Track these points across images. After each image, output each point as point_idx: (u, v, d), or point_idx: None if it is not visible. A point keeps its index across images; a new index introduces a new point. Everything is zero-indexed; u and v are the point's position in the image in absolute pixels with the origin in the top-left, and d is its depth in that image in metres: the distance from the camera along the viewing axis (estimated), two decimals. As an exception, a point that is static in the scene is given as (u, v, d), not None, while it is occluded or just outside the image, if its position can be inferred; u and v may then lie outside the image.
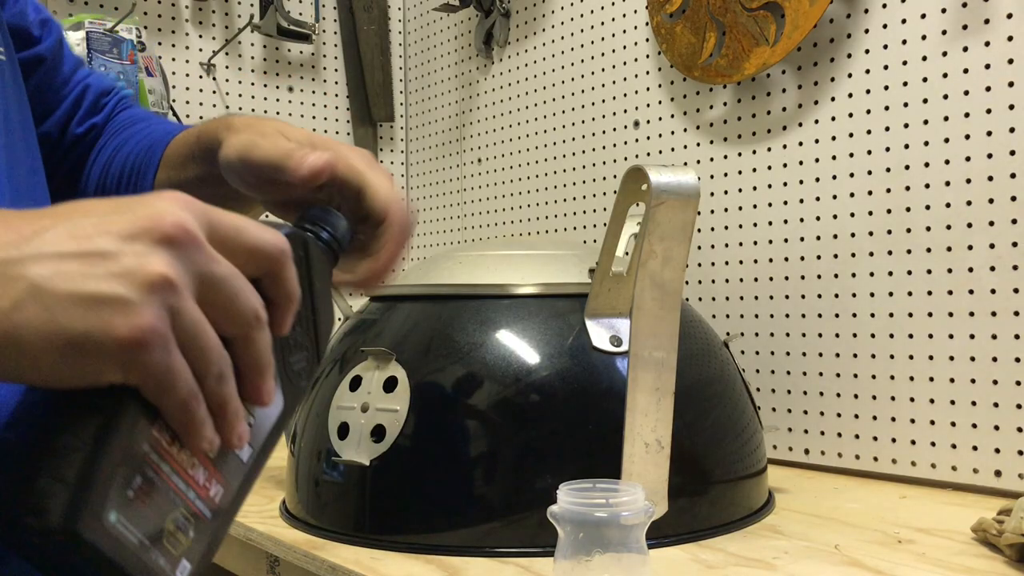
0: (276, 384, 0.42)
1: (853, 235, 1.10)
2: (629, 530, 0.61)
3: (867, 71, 1.09)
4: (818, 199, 1.14)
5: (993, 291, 0.98)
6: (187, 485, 0.40)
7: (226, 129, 0.63)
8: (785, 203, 1.17)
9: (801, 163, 1.15)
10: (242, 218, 0.39)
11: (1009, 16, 0.96)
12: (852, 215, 1.10)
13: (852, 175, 1.10)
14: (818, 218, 1.13)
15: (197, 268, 0.36)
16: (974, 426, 1.00)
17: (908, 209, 1.05)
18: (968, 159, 1.00)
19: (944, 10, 1.02)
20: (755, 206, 1.21)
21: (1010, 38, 0.96)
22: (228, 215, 0.39)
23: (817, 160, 1.14)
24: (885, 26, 1.07)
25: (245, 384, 0.40)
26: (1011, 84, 0.96)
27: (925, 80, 1.03)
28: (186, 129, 0.71)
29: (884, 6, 1.07)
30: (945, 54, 1.02)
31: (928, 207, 1.03)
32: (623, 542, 0.61)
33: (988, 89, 0.98)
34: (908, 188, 1.05)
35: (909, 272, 1.05)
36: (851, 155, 1.10)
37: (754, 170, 1.21)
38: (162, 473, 0.38)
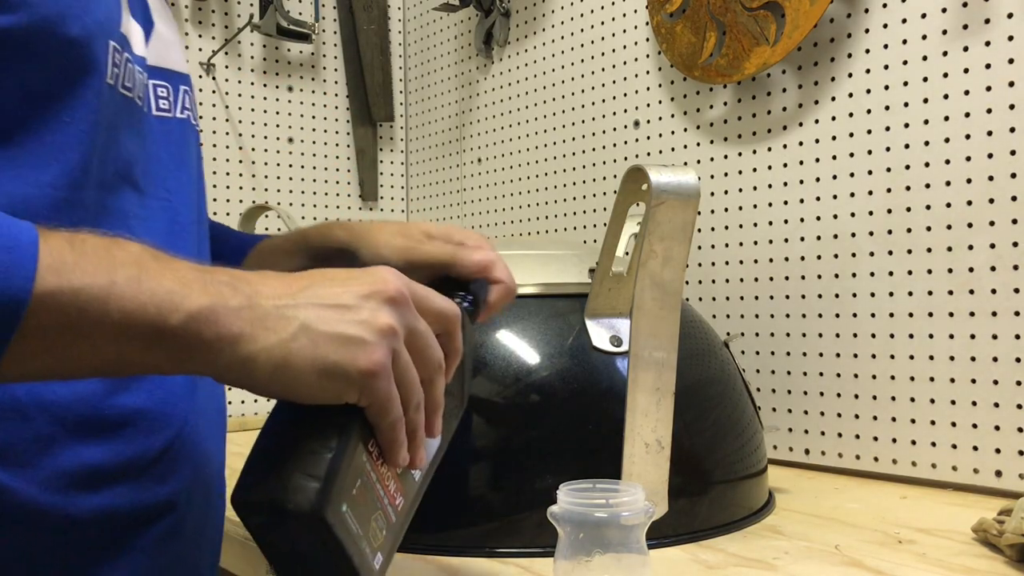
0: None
1: (853, 235, 1.10)
2: (629, 530, 0.61)
3: (867, 71, 1.09)
4: (818, 199, 1.13)
5: (994, 291, 0.98)
6: (384, 492, 0.50)
7: (342, 229, 0.74)
8: (785, 203, 1.17)
9: (801, 163, 1.15)
10: (430, 291, 0.52)
11: (1009, 16, 0.96)
12: (852, 215, 1.10)
13: (852, 175, 1.10)
14: (818, 218, 1.13)
15: (408, 323, 0.49)
16: (975, 426, 1.00)
17: (908, 209, 1.05)
18: (969, 159, 1.00)
19: (944, 10, 1.01)
20: (755, 206, 1.21)
21: (1010, 38, 0.96)
22: (420, 286, 0.51)
23: (817, 160, 1.14)
24: (885, 26, 1.07)
25: (429, 394, 0.51)
26: (1011, 84, 0.96)
27: (925, 80, 1.03)
28: (267, 238, 0.79)
29: (884, 6, 1.07)
30: (945, 54, 1.01)
31: (928, 207, 1.03)
32: (623, 542, 0.60)
33: (989, 89, 0.98)
34: (908, 188, 1.05)
35: (909, 272, 1.05)
36: (851, 155, 1.10)
37: (754, 170, 1.21)
38: (371, 480, 0.49)
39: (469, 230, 0.72)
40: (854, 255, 1.10)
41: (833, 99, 1.12)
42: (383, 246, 0.70)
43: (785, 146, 1.17)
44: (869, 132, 1.08)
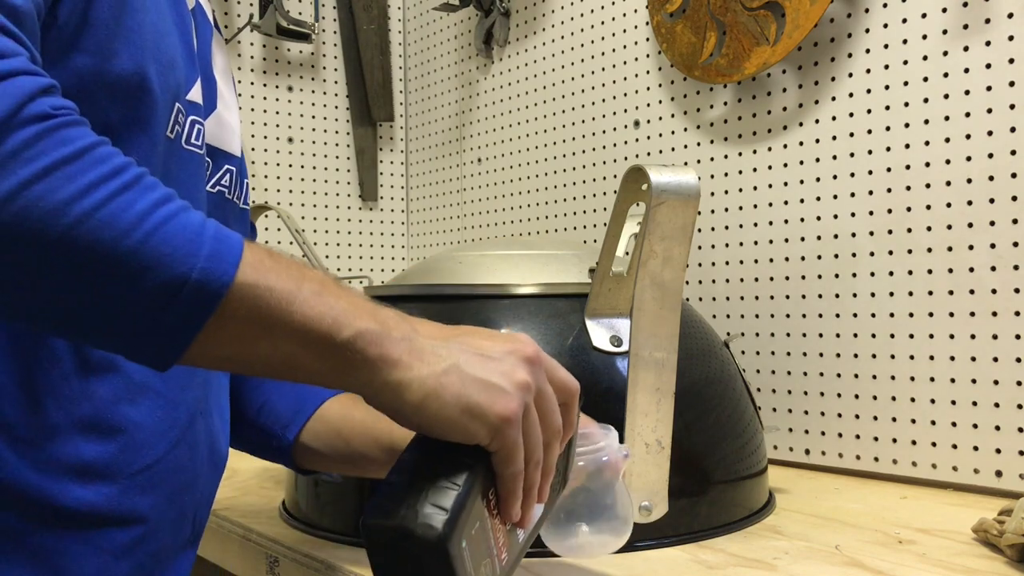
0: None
1: (854, 235, 1.10)
2: (607, 477, 0.63)
3: (868, 70, 1.09)
4: (818, 199, 1.13)
5: (994, 291, 0.98)
6: (494, 543, 0.53)
7: None
8: (785, 203, 1.17)
9: (801, 163, 1.15)
10: (554, 361, 0.57)
11: (1010, 16, 0.96)
12: (853, 215, 1.10)
13: (853, 175, 1.10)
14: (818, 218, 1.13)
15: (539, 383, 0.54)
16: (975, 426, 0.99)
17: (909, 209, 1.05)
18: (969, 159, 1.00)
19: (945, 9, 1.01)
20: (755, 206, 1.21)
21: (1011, 37, 0.96)
22: (549, 358, 0.56)
23: (817, 160, 1.14)
24: (886, 25, 1.07)
25: (547, 457, 0.55)
26: (1012, 84, 0.96)
27: (926, 79, 1.03)
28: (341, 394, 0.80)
29: (885, 5, 1.07)
30: (946, 53, 1.01)
31: (929, 207, 1.03)
32: (604, 488, 0.63)
33: (989, 88, 0.98)
34: (909, 188, 1.05)
35: (910, 272, 1.05)
36: (852, 155, 1.10)
37: (754, 170, 1.21)
38: (487, 527, 0.52)
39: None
40: (854, 255, 1.10)
41: (833, 99, 1.12)
42: None
43: (785, 146, 1.17)
44: (869, 132, 1.08)
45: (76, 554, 0.58)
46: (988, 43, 0.98)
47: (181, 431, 0.64)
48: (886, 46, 1.07)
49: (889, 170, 1.06)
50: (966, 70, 1.00)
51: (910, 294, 1.05)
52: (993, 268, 0.98)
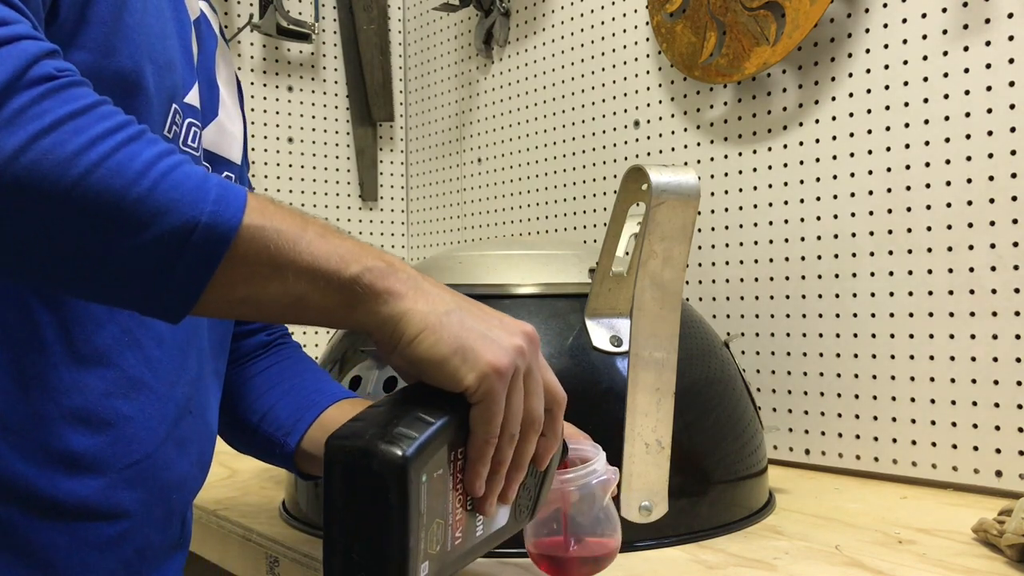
0: (508, 506, 0.57)
1: (854, 235, 1.10)
2: (593, 502, 0.63)
3: (868, 70, 1.09)
4: (818, 199, 1.13)
5: (994, 291, 0.98)
6: (451, 508, 0.52)
7: None
8: (785, 203, 1.17)
9: (801, 163, 1.15)
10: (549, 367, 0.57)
11: (1010, 16, 0.96)
12: (852, 215, 1.10)
13: (853, 175, 1.10)
14: (818, 218, 1.13)
15: (531, 362, 0.54)
16: (975, 426, 0.99)
17: (909, 209, 1.05)
18: (969, 159, 1.00)
19: (945, 9, 1.01)
20: (755, 206, 1.21)
21: (1011, 38, 0.96)
22: (545, 363, 0.56)
23: (817, 160, 1.14)
24: (886, 25, 1.07)
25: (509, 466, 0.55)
26: (1012, 84, 0.96)
27: (926, 80, 1.03)
28: (352, 398, 0.80)
29: (885, 5, 1.07)
30: (946, 54, 1.01)
31: (929, 207, 1.03)
32: (588, 510, 0.63)
33: (989, 89, 0.98)
34: (909, 188, 1.05)
35: (910, 272, 1.05)
36: (852, 155, 1.10)
37: (754, 170, 1.21)
38: (447, 484, 0.51)
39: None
40: (854, 255, 1.10)
41: (833, 99, 1.12)
42: None
43: (785, 146, 1.17)
44: (869, 132, 1.08)
45: (61, 546, 0.58)
46: (988, 43, 0.98)
47: (170, 427, 0.64)
48: (886, 46, 1.07)
49: (889, 170, 1.06)
50: (966, 70, 1.00)
51: (910, 294, 1.05)
52: (993, 268, 0.98)
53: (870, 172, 1.08)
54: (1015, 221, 0.96)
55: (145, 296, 0.47)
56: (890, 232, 1.06)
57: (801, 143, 1.16)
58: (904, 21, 1.05)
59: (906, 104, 1.05)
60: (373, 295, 0.50)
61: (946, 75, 1.01)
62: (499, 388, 0.51)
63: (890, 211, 1.06)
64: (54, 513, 0.58)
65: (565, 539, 0.65)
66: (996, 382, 0.98)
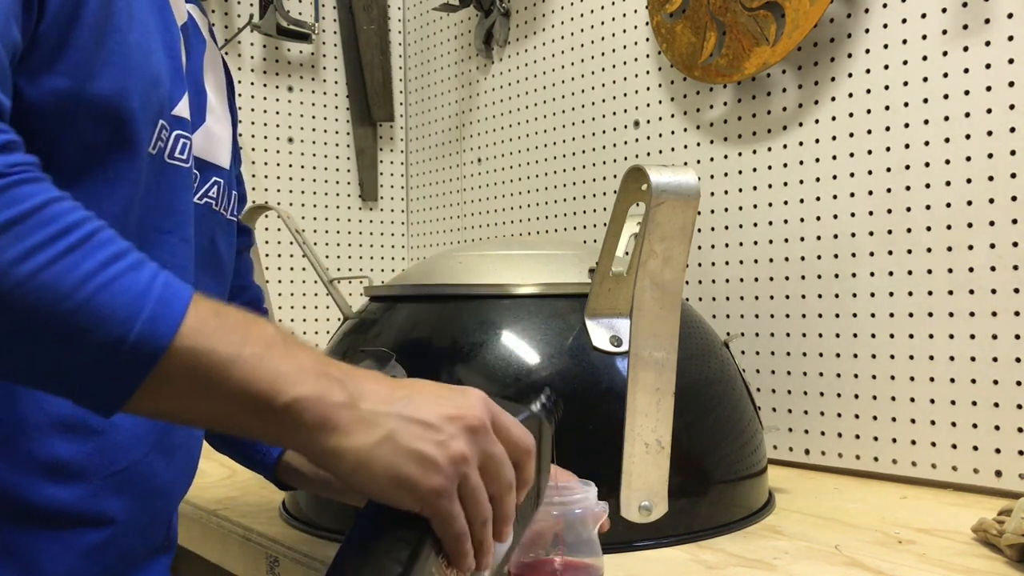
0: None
1: (853, 235, 1.10)
2: (580, 529, 0.62)
3: (867, 71, 1.09)
4: (818, 199, 1.13)
5: (994, 291, 0.98)
6: None
7: None
8: (785, 203, 1.17)
9: (801, 163, 1.15)
10: (511, 419, 0.56)
11: (1009, 16, 0.96)
12: (852, 215, 1.10)
13: (852, 175, 1.10)
14: (818, 218, 1.13)
15: (483, 449, 0.53)
16: (975, 426, 1.00)
17: (908, 209, 1.05)
18: (969, 159, 1.00)
19: (944, 10, 1.01)
20: (755, 206, 1.21)
21: (1010, 38, 0.96)
22: (505, 415, 0.56)
23: (817, 160, 1.14)
24: (885, 26, 1.07)
25: (494, 528, 0.55)
26: (1011, 84, 0.96)
27: (925, 80, 1.03)
28: None
29: (884, 6, 1.07)
30: (945, 54, 1.01)
31: (928, 207, 1.03)
32: (575, 541, 0.62)
33: (989, 89, 0.98)
34: (908, 188, 1.05)
35: (909, 272, 1.05)
36: (851, 155, 1.10)
37: (754, 170, 1.21)
38: (442, 570, 0.53)
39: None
40: (854, 255, 1.10)
41: (833, 99, 1.12)
42: None
43: (785, 146, 1.17)
44: (869, 132, 1.08)
45: (46, 552, 0.58)
46: (988, 43, 0.98)
47: (159, 436, 0.65)
48: (886, 46, 1.07)
49: (889, 170, 1.07)
50: (966, 70, 1.00)
51: (910, 294, 1.05)
52: (993, 268, 0.98)
53: (870, 172, 1.08)
54: (1015, 221, 0.96)
55: (76, 397, 0.48)
56: (890, 232, 1.06)
57: (801, 143, 1.16)
58: (904, 21, 1.05)
59: (906, 104, 1.05)
60: (305, 427, 0.50)
61: (946, 75, 1.01)
62: (446, 505, 0.52)
63: (890, 211, 1.06)
64: (39, 520, 0.58)
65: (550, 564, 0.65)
66: (996, 382, 0.98)
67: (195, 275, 0.71)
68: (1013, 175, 0.96)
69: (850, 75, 1.10)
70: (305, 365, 0.51)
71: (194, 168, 0.69)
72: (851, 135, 1.10)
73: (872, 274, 1.08)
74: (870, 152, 1.08)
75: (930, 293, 1.03)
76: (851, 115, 1.10)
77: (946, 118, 1.01)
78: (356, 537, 0.53)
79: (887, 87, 1.07)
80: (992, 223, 0.98)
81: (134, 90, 0.58)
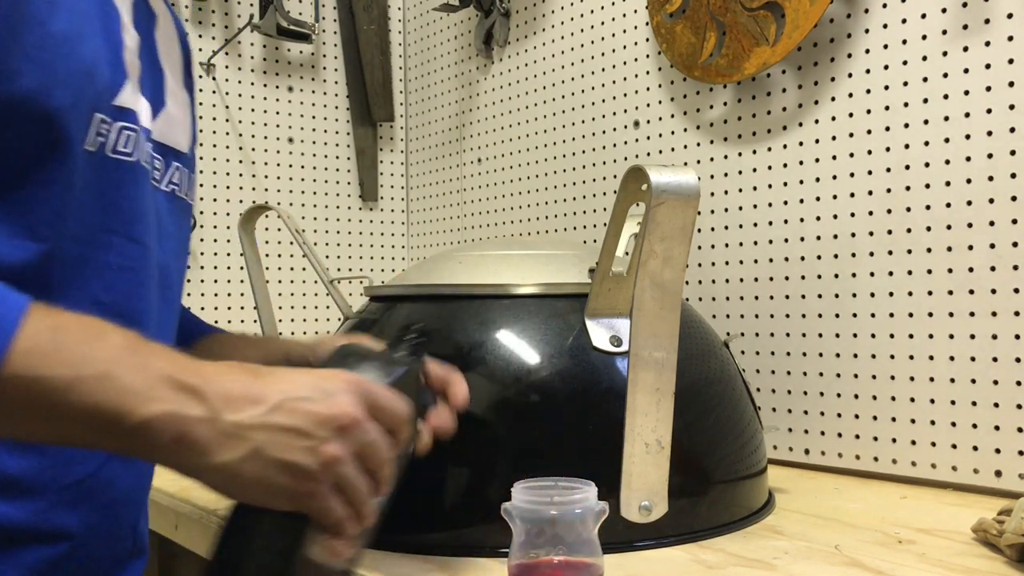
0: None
1: (853, 235, 1.10)
2: (581, 529, 0.61)
3: (867, 71, 1.09)
4: (818, 199, 1.13)
5: (994, 291, 0.98)
6: (335, 557, 0.54)
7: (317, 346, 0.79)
8: (785, 203, 1.17)
9: (801, 163, 1.15)
10: (387, 394, 0.56)
11: (1009, 16, 0.96)
12: (852, 215, 1.10)
13: (852, 175, 1.10)
14: (818, 218, 1.13)
15: (358, 441, 0.53)
16: (974, 426, 1.00)
17: (908, 209, 1.05)
18: (968, 159, 1.00)
19: (944, 10, 1.01)
20: (755, 206, 1.21)
21: (1010, 38, 0.96)
22: (381, 394, 0.55)
23: (817, 160, 1.14)
24: (885, 26, 1.07)
25: (377, 485, 0.55)
26: (1011, 84, 0.96)
27: (925, 80, 1.03)
28: (223, 334, 0.84)
29: (884, 6, 1.07)
30: (945, 54, 1.01)
31: (928, 207, 1.03)
32: (575, 542, 0.61)
33: (988, 89, 0.98)
34: (908, 188, 1.05)
35: (909, 272, 1.05)
36: (851, 155, 1.10)
37: (754, 170, 1.21)
38: (324, 555, 0.54)
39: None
40: (854, 255, 1.10)
41: (833, 99, 1.12)
42: None
43: (785, 146, 1.17)
44: (869, 132, 1.08)
45: None
46: (988, 43, 0.98)
47: None
48: (886, 46, 1.07)
49: (889, 170, 1.07)
50: (966, 70, 1.00)
51: (910, 294, 1.05)
52: (993, 268, 0.98)
53: (870, 172, 1.08)
54: (1015, 221, 0.96)
55: None
56: (890, 232, 1.06)
57: (801, 143, 1.16)
58: (904, 21, 1.05)
59: (905, 104, 1.05)
60: (162, 447, 0.48)
61: (945, 75, 1.01)
62: (322, 504, 0.51)
63: (889, 211, 1.06)
64: None
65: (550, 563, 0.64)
66: (995, 382, 0.98)
67: (170, 268, 0.68)
68: (1013, 175, 0.96)
69: (850, 75, 1.10)
70: (157, 377, 0.48)
71: (156, 153, 0.66)
72: (851, 135, 1.10)
73: (872, 274, 1.08)
74: (870, 152, 1.08)
75: (930, 293, 1.03)
76: (851, 115, 1.10)
77: (946, 118, 1.01)
78: (236, 524, 0.53)
79: (887, 87, 1.07)
80: (992, 223, 0.98)
81: (61, 85, 0.55)
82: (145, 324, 0.65)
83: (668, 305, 0.74)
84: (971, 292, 0.99)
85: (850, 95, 1.10)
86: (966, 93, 1.00)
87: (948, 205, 1.01)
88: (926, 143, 1.03)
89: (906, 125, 1.05)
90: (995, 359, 0.98)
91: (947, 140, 1.01)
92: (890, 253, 1.06)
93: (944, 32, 1.01)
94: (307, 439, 0.51)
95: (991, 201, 0.98)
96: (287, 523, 0.52)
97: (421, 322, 0.67)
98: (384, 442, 0.55)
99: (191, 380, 0.49)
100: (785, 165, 1.17)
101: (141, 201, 0.64)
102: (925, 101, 1.03)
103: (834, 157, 1.12)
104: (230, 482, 0.50)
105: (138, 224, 0.64)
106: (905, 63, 1.05)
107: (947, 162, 1.01)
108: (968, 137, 1.00)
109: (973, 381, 0.99)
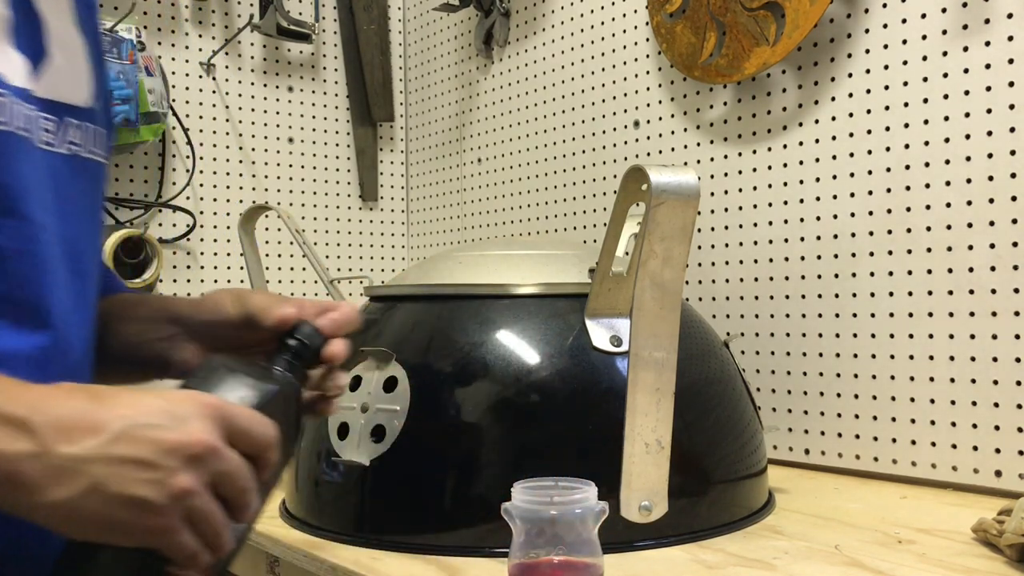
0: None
1: (853, 235, 1.10)
2: (581, 529, 0.61)
3: (867, 71, 1.09)
4: (818, 199, 1.13)
5: (993, 291, 0.98)
6: None
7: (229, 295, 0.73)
8: (785, 203, 1.17)
9: (801, 163, 1.15)
10: (248, 416, 0.51)
11: (1009, 16, 0.96)
12: (852, 215, 1.10)
13: (852, 175, 1.10)
14: (818, 218, 1.13)
15: (213, 469, 0.48)
16: (974, 426, 1.00)
17: (908, 209, 1.05)
18: (968, 159, 1.00)
19: (944, 10, 1.01)
20: (755, 206, 1.21)
21: (1010, 38, 0.96)
22: (241, 416, 0.51)
23: (817, 160, 1.14)
24: (885, 26, 1.07)
25: (232, 514, 0.51)
26: (1011, 84, 0.96)
27: (925, 80, 1.03)
28: (130, 293, 0.78)
29: (884, 6, 1.07)
30: (945, 54, 1.01)
31: (928, 207, 1.03)
32: (575, 541, 0.61)
33: (988, 89, 0.98)
34: (908, 188, 1.05)
35: (909, 272, 1.05)
36: (851, 155, 1.10)
37: (754, 170, 1.21)
38: None
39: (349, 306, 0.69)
40: (854, 255, 1.10)
41: (833, 99, 1.12)
42: (224, 302, 0.69)
43: (785, 146, 1.17)
44: (869, 132, 1.08)
45: None
46: (988, 43, 0.98)
47: None
48: (886, 46, 1.07)
49: (889, 170, 1.07)
50: (966, 70, 1.00)
51: (910, 294, 1.05)
52: (993, 268, 0.98)
53: (870, 172, 1.08)
54: (1015, 221, 0.96)
55: None
56: (890, 232, 1.06)
57: (801, 143, 1.16)
58: (904, 21, 1.05)
59: (906, 104, 1.05)
60: None
61: (946, 75, 1.01)
62: (172, 539, 0.47)
63: (890, 211, 1.06)
64: None
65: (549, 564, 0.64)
66: (996, 382, 0.98)
67: (80, 240, 0.62)
68: (1013, 175, 0.96)
69: (850, 75, 1.10)
70: None
71: (46, 112, 0.59)
72: (851, 135, 1.10)
73: (872, 274, 1.08)
74: (870, 152, 1.08)
75: (930, 293, 1.03)
76: (851, 115, 1.10)
77: (946, 118, 1.01)
78: (73, 557, 0.49)
79: (887, 87, 1.07)
80: (992, 223, 0.98)
81: None
82: (51, 309, 0.58)
83: (668, 305, 0.74)
84: (971, 292, 0.99)
85: (850, 95, 1.10)
86: (966, 93, 1.00)
87: (948, 205, 1.01)
88: (926, 143, 1.03)
89: (906, 125, 1.05)
90: (995, 359, 0.98)
91: (947, 140, 1.01)
92: (890, 253, 1.06)
93: (944, 32, 1.01)
94: (153, 471, 0.46)
95: (991, 201, 0.98)
96: (131, 557, 0.48)
97: (308, 324, 0.62)
98: (244, 470, 0.50)
99: (16, 410, 0.45)
100: (785, 165, 1.17)
101: (25, 173, 0.57)
102: (925, 101, 1.03)
103: (834, 157, 1.12)
104: (67, 521, 0.45)
105: (26, 199, 0.56)
106: (905, 63, 1.05)
107: (947, 162, 1.01)
108: (968, 137, 1.00)
109: (973, 381, 0.99)
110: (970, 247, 0.99)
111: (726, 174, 1.24)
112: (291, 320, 0.64)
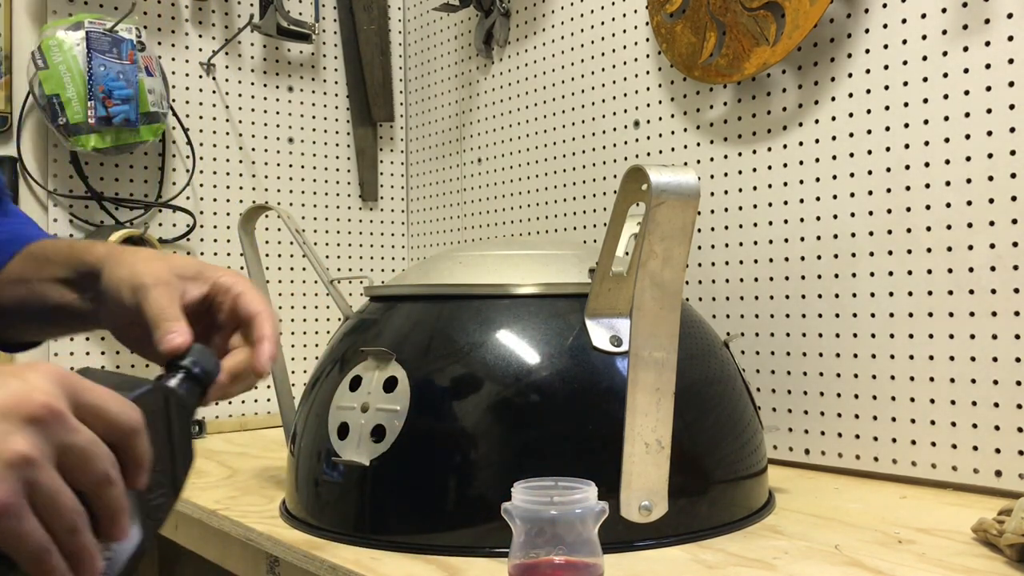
0: (133, 521, 0.48)
1: (853, 235, 1.10)
2: (581, 529, 0.61)
3: (867, 71, 1.09)
4: (818, 199, 1.13)
5: (993, 291, 0.98)
6: None
7: (108, 257, 0.67)
8: (785, 203, 1.17)
9: (801, 163, 1.15)
10: (106, 393, 0.45)
11: (1009, 16, 0.96)
12: (852, 215, 1.10)
13: (852, 175, 1.10)
14: (818, 218, 1.13)
15: (57, 439, 0.42)
16: (974, 426, 1.00)
17: (908, 209, 1.05)
18: (968, 159, 1.00)
19: (944, 10, 1.01)
20: (755, 206, 1.21)
21: (1010, 38, 0.96)
22: (94, 390, 0.45)
23: (817, 160, 1.14)
24: (885, 26, 1.07)
25: (101, 526, 0.45)
26: (1011, 84, 0.96)
27: (925, 80, 1.03)
28: (49, 238, 0.74)
29: (884, 6, 1.07)
30: (945, 54, 1.02)
31: (928, 207, 1.03)
32: (575, 542, 0.61)
33: (988, 89, 0.98)
34: (908, 188, 1.05)
35: (909, 272, 1.05)
36: (851, 155, 1.10)
37: (754, 170, 1.21)
38: None
39: (241, 277, 0.66)
40: (854, 255, 1.10)
41: (833, 99, 1.12)
42: (119, 279, 0.64)
43: (785, 146, 1.17)
44: (869, 132, 1.08)
45: None
46: (988, 43, 0.98)
47: None
48: (886, 46, 1.07)
49: (889, 170, 1.07)
50: (966, 70, 1.00)
51: (910, 294, 1.05)
52: (993, 268, 0.98)
53: (870, 172, 1.08)
54: (1015, 221, 0.96)
55: None
56: (890, 232, 1.06)
57: (801, 143, 1.16)
58: (904, 21, 1.05)
59: (906, 104, 1.05)
60: None
61: (946, 75, 1.01)
62: (9, 524, 0.40)
63: (890, 211, 1.06)
64: None
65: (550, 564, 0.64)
66: (996, 382, 0.98)
67: None
68: (1013, 175, 0.96)
69: (850, 75, 1.10)
70: None
71: None
72: (851, 135, 1.10)
73: (872, 274, 1.08)
74: (870, 152, 1.08)
75: (930, 293, 1.03)
76: (851, 115, 1.10)
77: (946, 118, 1.01)
78: None
79: (887, 87, 1.07)
80: (992, 223, 0.98)
81: None
82: None
83: (668, 305, 0.74)
84: (971, 292, 0.99)
85: (850, 95, 1.10)
86: (966, 93, 1.00)
87: (948, 205, 1.01)
88: (926, 143, 1.03)
89: (906, 125, 1.05)
90: (995, 359, 0.98)
91: (947, 140, 1.01)
92: (890, 253, 1.06)
93: (944, 32, 1.02)
94: None
95: (991, 201, 0.98)
96: None
97: (204, 345, 0.59)
98: (99, 448, 0.44)
99: None
100: (785, 165, 1.17)
101: None
102: (925, 101, 1.03)
103: (834, 157, 1.12)
104: None
105: None
106: (905, 63, 1.05)
107: (947, 162, 1.01)
108: (968, 137, 1.00)
109: (973, 381, 1.00)
110: (970, 247, 0.99)
111: (726, 174, 1.24)
112: (181, 350, 0.58)
